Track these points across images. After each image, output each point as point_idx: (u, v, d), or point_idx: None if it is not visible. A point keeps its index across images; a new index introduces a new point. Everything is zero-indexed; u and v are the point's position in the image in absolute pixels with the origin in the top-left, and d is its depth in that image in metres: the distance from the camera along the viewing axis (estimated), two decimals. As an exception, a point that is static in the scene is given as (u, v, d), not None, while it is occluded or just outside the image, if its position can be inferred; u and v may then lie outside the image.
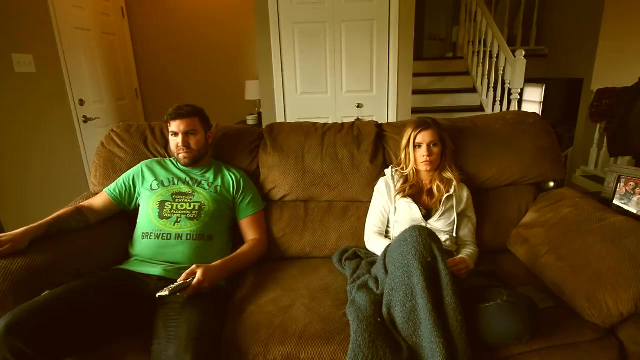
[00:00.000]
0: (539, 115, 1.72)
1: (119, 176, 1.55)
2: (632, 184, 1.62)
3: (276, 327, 1.14)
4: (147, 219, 1.41)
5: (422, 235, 1.10)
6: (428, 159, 1.43)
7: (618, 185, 1.67)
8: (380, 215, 1.51)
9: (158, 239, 1.37)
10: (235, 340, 1.12)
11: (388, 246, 1.24)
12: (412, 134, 1.45)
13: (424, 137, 1.44)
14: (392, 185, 1.50)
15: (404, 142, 1.49)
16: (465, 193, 1.49)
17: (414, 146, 1.46)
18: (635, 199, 1.60)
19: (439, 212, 1.42)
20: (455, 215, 1.44)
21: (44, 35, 2.50)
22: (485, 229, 1.59)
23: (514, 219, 1.61)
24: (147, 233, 1.39)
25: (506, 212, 1.62)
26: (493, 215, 1.61)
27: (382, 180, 1.54)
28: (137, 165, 1.55)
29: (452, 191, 1.45)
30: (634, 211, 1.58)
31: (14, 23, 2.28)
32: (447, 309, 1.01)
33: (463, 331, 0.99)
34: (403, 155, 1.51)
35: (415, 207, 1.42)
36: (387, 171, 1.55)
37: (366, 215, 1.60)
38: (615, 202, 1.67)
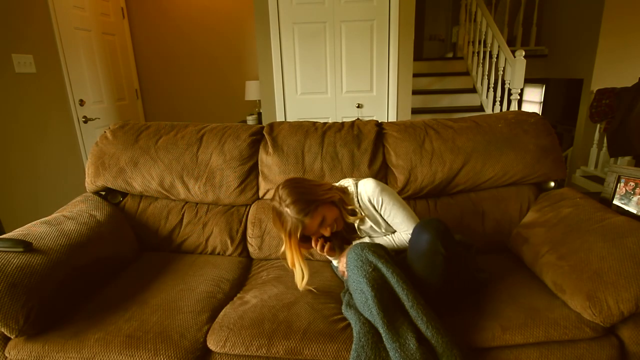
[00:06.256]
0: (539, 115, 1.72)
1: (109, 173, 1.52)
2: (632, 184, 1.62)
3: (280, 322, 1.14)
4: None
5: (356, 252, 1.12)
6: (332, 231, 1.23)
7: (618, 186, 1.67)
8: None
9: None
10: (237, 330, 1.13)
11: None
12: (295, 240, 1.19)
13: (311, 231, 1.19)
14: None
15: (293, 243, 1.20)
16: (365, 200, 1.27)
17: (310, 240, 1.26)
18: (635, 199, 1.60)
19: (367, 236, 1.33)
20: (378, 220, 1.29)
21: (44, 35, 2.50)
22: (486, 228, 1.59)
23: (514, 218, 1.61)
24: None
25: (507, 211, 1.62)
26: (494, 215, 1.61)
27: None
28: None
29: (358, 214, 1.27)
30: (634, 211, 1.58)
31: (14, 23, 2.28)
32: (400, 297, 1.05)
33: (428, 316, 1.02)
34: (296, 259, 1.23)
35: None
36: None
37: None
38: (615, 202, 1.67)
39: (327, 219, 1.19)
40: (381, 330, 1.03)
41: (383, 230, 1.31)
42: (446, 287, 1.13)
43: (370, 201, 1.26)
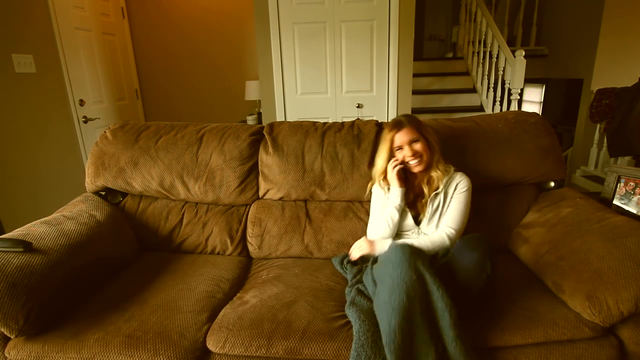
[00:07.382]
0: (539, 115, 1.72)
1: (109, 173, 1.53)
2: (632, 184, 1.62)
3: (280, 322, 1.15)
4: None
5: (405, 254, 1.09)
6: (413, 158, 1.37)
7: (618, 186, 1.67)
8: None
9: None
10: (236, 330, 1.13)
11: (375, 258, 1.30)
12: (389, 137, 1.39)
13: (401, 138, 1.37)
14: (384, 191, 1.46)
15: (385, 147, 1.41)
16: (454, 184, 1.40)
17: (396, 150, 1.40)
18: (635, 199, 1.60)
19: (427, 216, 1.38)
20: (442, 206, 1.38)
21: (44, 35, 2.50)
22: (486, 228, 1.59)
23: (514, 218, 1.61)
24: None
25: (507, 212, 1.62)
26: (494, 215, 1.61)
27: (375, 185, 1.50)
28: None
29: (440, 188, 1.38)
30: (634, 211, 1.58)
31: (14, 23, 2.28)
32: (438, 313, 1.03)
33: (456, 329, 1.00)
34: (383, 164, 1.42)
35: (408, 213, 1.39)
36: (375, 187, 1.50)
37: (367, 216, 1.60)
38: (615, 202, 1.67)
39: (419, 143, 1.37)
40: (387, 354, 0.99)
41: (436, 224, 1.38)
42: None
43: (456, 185, 1.39)
